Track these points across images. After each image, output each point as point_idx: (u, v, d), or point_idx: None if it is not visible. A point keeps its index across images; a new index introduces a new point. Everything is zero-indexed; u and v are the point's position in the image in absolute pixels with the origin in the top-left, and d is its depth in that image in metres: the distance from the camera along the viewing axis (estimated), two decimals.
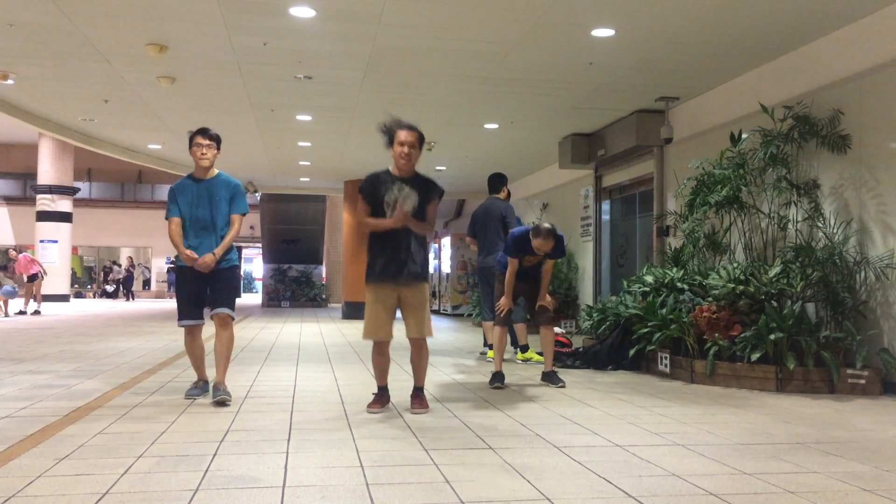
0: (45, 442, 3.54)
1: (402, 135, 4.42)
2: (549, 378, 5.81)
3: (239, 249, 27.34)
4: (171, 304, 23.21)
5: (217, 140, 4.97)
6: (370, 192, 4.46)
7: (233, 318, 4.91)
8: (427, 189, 4.49)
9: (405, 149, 4.40)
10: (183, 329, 4.94)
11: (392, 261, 4.40)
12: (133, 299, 26.66)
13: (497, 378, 5.67)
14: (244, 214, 4.99)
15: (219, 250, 4.83)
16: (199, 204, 4.86)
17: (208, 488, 2.79)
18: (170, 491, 2.75)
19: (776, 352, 5.61)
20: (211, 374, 5.18)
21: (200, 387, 4.98)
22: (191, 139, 4.94)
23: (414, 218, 4.40)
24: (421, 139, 4.48)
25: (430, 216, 4.53)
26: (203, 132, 4.93)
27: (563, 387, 5.67)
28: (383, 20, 6.28)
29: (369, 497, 2.70)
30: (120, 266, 29.82)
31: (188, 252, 4.76)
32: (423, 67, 7.63)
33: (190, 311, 4.87)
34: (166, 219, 4.91)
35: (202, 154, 4.87)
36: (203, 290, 4.90)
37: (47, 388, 5.20)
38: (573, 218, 12.50)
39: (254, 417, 4.24)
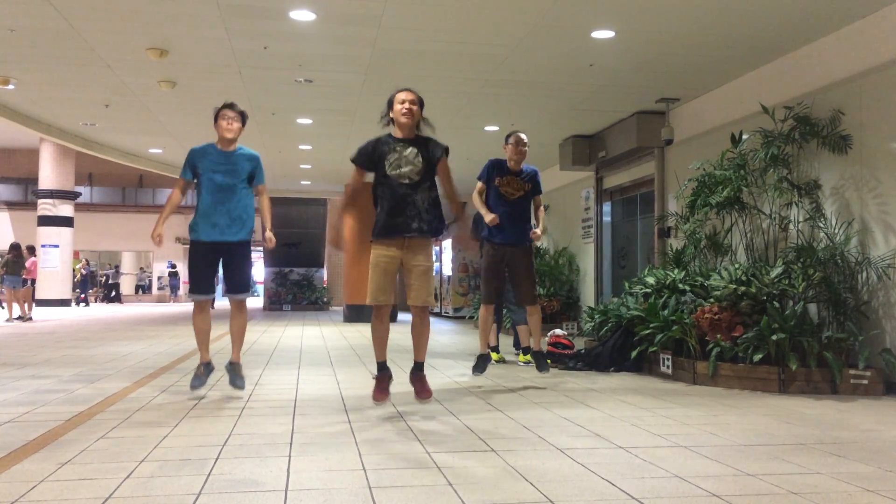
0: (48, 447, 3.54)
1: (401, 94, 4.45)
2: (536, 358, 5.86)
3: None
4: (171, 307, 23.22)
5: (243, 115, 5.07)
6: (369, 152, 4.46)
7: (251, 295, 5.15)
8: (430, 148, 4.48)
9: (406, 105, 4.40)
10: (193, 302, 5.04)
11: (398, 217, 4.36)
12: (88, 304, 24.49)
13: (481, 363, 5.67)
14: (264, 186, 5.20)
15: (269, 228, 5.12)
16: (219, 171, 4.95)
17: (211, 492, 2.78)
18: (172, 495, 2.74)
19: (778, 352, 5.60)
20: (216, 358, 5.22)
21: (204, 373, 5.01)
22: (217, 112, 5.02)
23: (426, 177, 4.41)
24: (421, 100, 4.49)
25: (446, 174, 4.54)
26: (230, 105, 5.04)
27: (545, 373, 5.77)
28: (383, 23, 6.29)
29: (372, 500, 2.69)
30: (113, 270, 29.76)
31: (158, 231, 4.91)
32: (423, 70, 7.64)
33: (203, 285, 4.97)
34: (180, 176, 5.04)
35: (228, 125, 4.97)
36: (216, 265, 5.03)
37: (49, 393, 5.20)
38: (574, 220, 12.50)
39: (256, 421, 4.24)
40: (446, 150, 4.53)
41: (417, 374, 4.52)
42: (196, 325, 5.05)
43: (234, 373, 5.06)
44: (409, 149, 4.42)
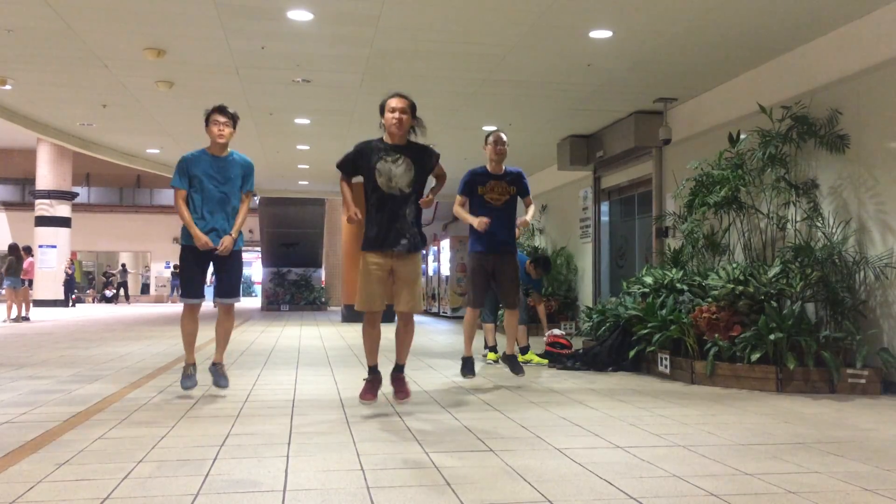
0: (46, 447, 3.53)
1: (393, 102, 4.46)
2: (508, 361, 5.84)
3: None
4: (171, 308, 23.19)
5: (234, 118, 5.06)
6: (357, 158, 4.49)
7: (238, 301, 5.17)
8: (423, 156, 4.52)
9: (395, 115, 4.43)
10: (183, 304, 5.10)
11: (389, 229, 4.40)
12: (73, 305, 23.59)
13: (467, 366, 5.61)
14: (252, 193, 5.17)
15: (234, 232, 4.99)
16: (212, 179, 4.95)
17: (209, 493, 2.78)
18: (170, 496, 2.74)
19: (776, 352, 5.61)
20: (200, 360, 5.26)
21: (192, 374, 5.11)
22: (208, 116, 5.00)
23: (416, 188, 4.47)
24: (413, 106, 4.50)
25: (442, 177, 4.68)
26: (221, 110, 5.02)
27: (521, 375, 5.79)
28: (381, 23, 6.29)
29: (370, 500, 2.69)
30: (114, 273, 29.70)
31: (204, 238, 4.87)
32: (421, 70, 7.64)
33: (194, 289, 5.04)
34: (172, 186, 5.00)
35: (219, 131, 4.96)
36: (206, 269, 5.09)
37: (47, 394, 5.19)
38: (572, 219, 12.51)
39: (254, 421, 4.23)
40: (438, 157, 4.61)
41: (397, 374, 4.58)
42: (184, 327, 5.11)
43: (218, 374, 5.15)
44: (400, 159, 4.44)
